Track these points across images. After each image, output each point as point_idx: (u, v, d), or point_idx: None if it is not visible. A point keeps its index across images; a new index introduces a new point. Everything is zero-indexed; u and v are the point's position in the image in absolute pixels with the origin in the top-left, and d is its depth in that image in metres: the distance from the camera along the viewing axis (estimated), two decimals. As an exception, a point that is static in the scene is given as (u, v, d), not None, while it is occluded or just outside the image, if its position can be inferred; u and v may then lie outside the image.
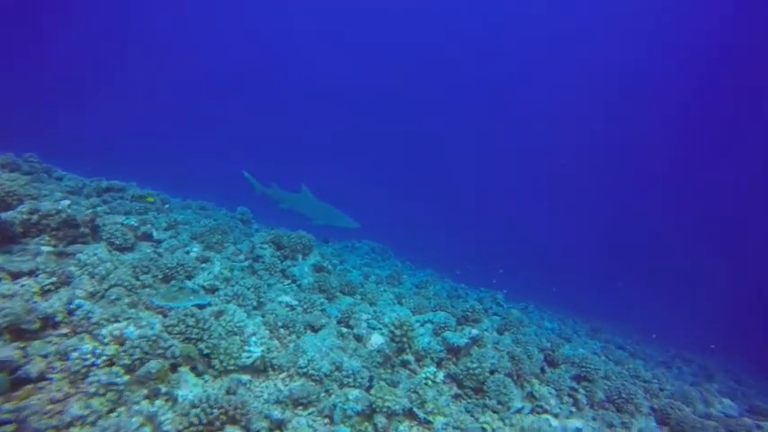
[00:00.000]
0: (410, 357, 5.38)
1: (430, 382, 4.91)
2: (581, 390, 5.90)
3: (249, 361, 4.17)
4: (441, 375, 5.04)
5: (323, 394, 4.10)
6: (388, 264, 10.86)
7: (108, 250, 5.20)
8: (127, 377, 3.39)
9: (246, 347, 4.24)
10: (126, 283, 4.51)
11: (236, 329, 4.49)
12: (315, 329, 5.09)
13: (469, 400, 5.00)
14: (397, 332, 5.34)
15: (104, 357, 3.47)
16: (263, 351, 4.25)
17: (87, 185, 7.83)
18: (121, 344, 3.63)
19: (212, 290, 5.30)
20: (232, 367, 4.07)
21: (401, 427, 4.06)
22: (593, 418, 5.31)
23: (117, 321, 3.91)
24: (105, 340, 3.64)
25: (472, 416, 4.81)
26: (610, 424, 5.23)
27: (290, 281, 6.87)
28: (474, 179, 54.66)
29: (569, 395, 5.77)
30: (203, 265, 5.97)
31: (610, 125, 51.81)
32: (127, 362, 3.46)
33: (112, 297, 4.29)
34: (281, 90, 58.15)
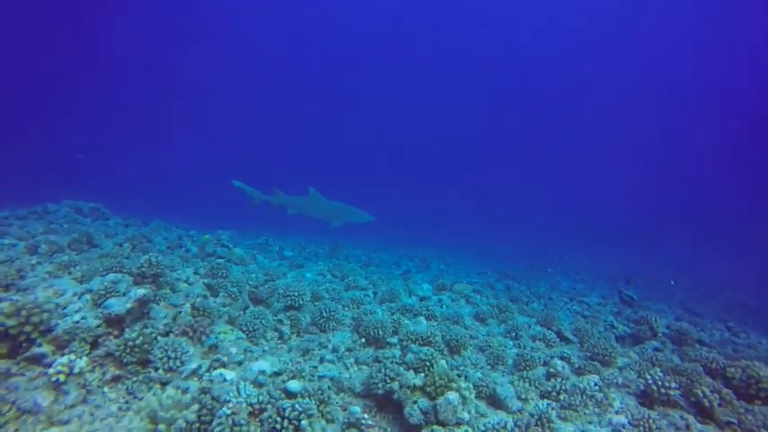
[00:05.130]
0: (45, 349, 4.06)
1: (62, 377, 3.75)
2: (286, 320, 5.74)
3: None
4: (82, 362, 3.91)
5: None
6: (95, 226, 8.57)
7: None
8: None
9: None
10: None
11: None
12: None
13: (134, 379, 4.11)
14: (11, 322, 3.88)
15: None
16: None
17: None
18: None
19: None
20: None
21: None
22: (290, 350, 5.18)
23: None
24: None
25: (135, 397, 3.98)
26: (306, 350, 5.17)
27: None
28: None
29: (275, 329, 5.56)
30: None
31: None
32: None
33: None
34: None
